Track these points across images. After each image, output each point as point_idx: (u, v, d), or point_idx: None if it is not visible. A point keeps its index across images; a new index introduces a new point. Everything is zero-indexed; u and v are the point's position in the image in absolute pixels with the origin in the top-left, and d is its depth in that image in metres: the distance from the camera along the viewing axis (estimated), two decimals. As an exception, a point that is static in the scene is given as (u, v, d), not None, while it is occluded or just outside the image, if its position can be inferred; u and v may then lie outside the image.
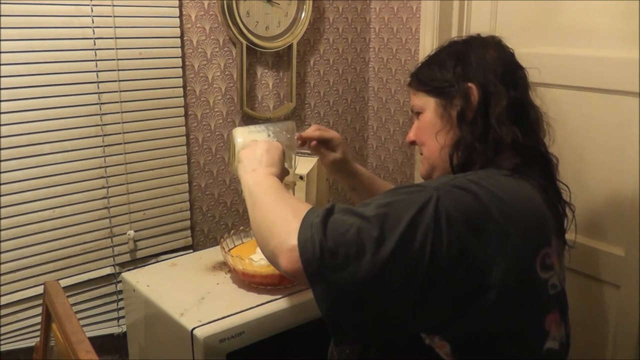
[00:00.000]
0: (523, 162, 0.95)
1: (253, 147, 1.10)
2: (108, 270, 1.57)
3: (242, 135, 1.17)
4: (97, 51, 1.44)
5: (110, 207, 1.54)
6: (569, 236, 1.04)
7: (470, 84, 0.97)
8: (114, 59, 1.47)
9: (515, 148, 0.95)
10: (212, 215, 1.77)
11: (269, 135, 1.18)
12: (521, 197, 0.88)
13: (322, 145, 1.28)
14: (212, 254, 1.55)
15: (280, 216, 0.87)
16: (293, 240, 0.79)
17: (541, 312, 0.86)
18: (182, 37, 1.58)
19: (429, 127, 1.02)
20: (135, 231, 1.59)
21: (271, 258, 0.87)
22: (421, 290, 0.77)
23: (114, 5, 1.44)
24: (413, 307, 0.78)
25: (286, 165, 1.13)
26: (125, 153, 1.53)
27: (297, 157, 1.24)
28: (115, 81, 1.48)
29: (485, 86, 0.97)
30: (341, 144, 1.29)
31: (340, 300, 0.78)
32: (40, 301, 1.33)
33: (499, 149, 0.94)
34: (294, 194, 1.35)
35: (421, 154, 1.07)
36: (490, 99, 0.96)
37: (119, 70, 1.48)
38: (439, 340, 0.83)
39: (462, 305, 0.79)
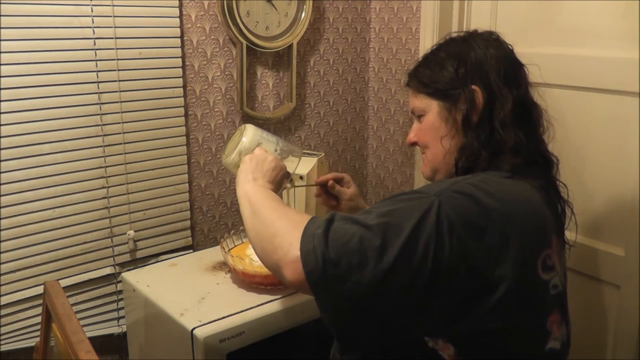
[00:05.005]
0: (523, 162, 0.94)
1: (263, 157, 1.11)
2: (108, 270, 1.57)
3: (252, 136, 1.16)
4: (97, 51, 1.44)
5: (110, 207, 1.54)
6: (570, 235, 1.04)
7: (474, 87, 0.96)
8: (114, 59, 1.47)
9: (517, 150, 0.94)
10: (212, 215, 1.77)
11: (275, 150, 1.17)
12: (521, 199, 0.88)
13: (337, 184, 1.32)
14: (212, 254, 1.55)
15: (281, 228, 0.87)
16: (296, 252, 0.80)
17: (543, 313, 0.86)
18: (182, 37, 1.58)
19: (432, 131, 1.01)
20: (135, 231, 1.59)
21: (274, 270, 0.87)
22: (424, 295, 0.77)
23: (114, 5, 1.44)
24: (416, 312, 0.79)
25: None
26: (125, 153, 1.53)
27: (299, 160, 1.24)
28: (115, 81, 1.48)
29: (489, 88, 0.96)
30: (350, 179, 1.34)
31: (344, 310, 0.78)
32: (40, 301, 1.33)
33: (501, 151, 0.94)
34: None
35: (423, 153, 1.07)
36: (495, 101, 0.95)
37: (119, 70, 1.48)
38: (443, 343, 0.83)
39: (464, 308, 0.79)
